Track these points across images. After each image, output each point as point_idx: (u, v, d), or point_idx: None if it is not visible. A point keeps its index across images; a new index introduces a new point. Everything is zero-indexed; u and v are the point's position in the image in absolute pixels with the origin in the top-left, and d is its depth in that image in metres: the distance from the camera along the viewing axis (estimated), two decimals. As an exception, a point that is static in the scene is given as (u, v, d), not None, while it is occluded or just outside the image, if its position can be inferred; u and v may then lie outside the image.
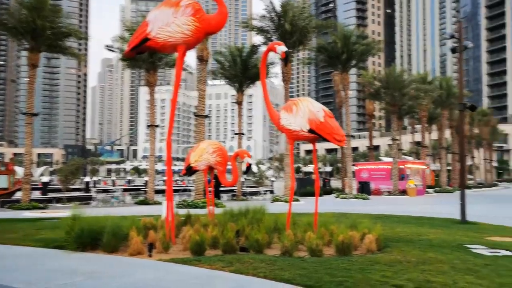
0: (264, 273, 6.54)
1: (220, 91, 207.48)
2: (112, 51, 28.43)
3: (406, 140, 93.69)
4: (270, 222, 9.94)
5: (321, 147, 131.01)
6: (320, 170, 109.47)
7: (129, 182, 77.85)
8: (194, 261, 7.43)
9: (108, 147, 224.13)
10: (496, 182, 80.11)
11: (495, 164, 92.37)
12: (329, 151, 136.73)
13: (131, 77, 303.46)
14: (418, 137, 59.35)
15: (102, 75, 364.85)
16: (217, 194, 27.76)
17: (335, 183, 57.95)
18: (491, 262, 7.63)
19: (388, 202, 28.92)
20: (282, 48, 9.43)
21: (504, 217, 18.01)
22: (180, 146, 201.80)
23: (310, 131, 9.10)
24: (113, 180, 77.90)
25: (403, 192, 36.51)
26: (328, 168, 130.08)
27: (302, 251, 8.43)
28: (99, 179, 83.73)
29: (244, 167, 11.68)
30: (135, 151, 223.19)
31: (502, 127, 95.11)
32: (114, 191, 34.92)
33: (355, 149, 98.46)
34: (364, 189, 36.69)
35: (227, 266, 7.01)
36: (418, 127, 60.41)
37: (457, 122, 51.11)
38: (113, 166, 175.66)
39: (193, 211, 14.06)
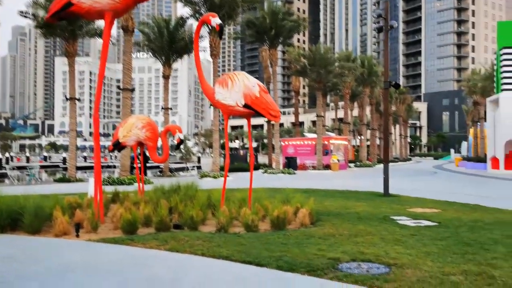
0: (201, 250, 6.39)
1: (143, 64, 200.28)
2: (27, 17, 26.18)
3: (328, 117, 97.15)
4: (203, 198, 9.80)
5: (246, 123, 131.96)
6: (246, 146, 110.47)
7: (45, 158, 73.81)
8: (127, 240, 7.11)
9: (21, 121, 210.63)
10: (410, 157, 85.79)
11: (409, 140, 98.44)
12: (254, 127, 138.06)
13: (46, 47, 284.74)
14: (340, 114, 61.34)
15: (13, 44, 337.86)
16: (144, 171, 27.02)
17: (261, 158, 58.78)
18: (416, 233, 8.06)
19: (314, 176, 29.83)
20: (216, 20, 9.08)
21: (421, 189, 19.25)
22: (101, 121, 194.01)
23: (246, 106, 8.94)
24: (27, 157, 73.27)
25: (327, 167, 37.82)
26: (254, 144, 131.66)
27: (237, 227, 8.38)
28: (12, 156, 78.45)
29: (174, 142, 11.36)
30: (51, 126, 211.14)
31: (416, 105, 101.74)
32: (31, 168, 32.79)
33: (280, 125, 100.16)
34: (291, 164, 37.50)
35: (162, 245, 6.78)
36: (340, 104, 62.44)
37: (379, 100, 53.48)
38: (27, 142, 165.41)
39: (120, 188, 13.57)
